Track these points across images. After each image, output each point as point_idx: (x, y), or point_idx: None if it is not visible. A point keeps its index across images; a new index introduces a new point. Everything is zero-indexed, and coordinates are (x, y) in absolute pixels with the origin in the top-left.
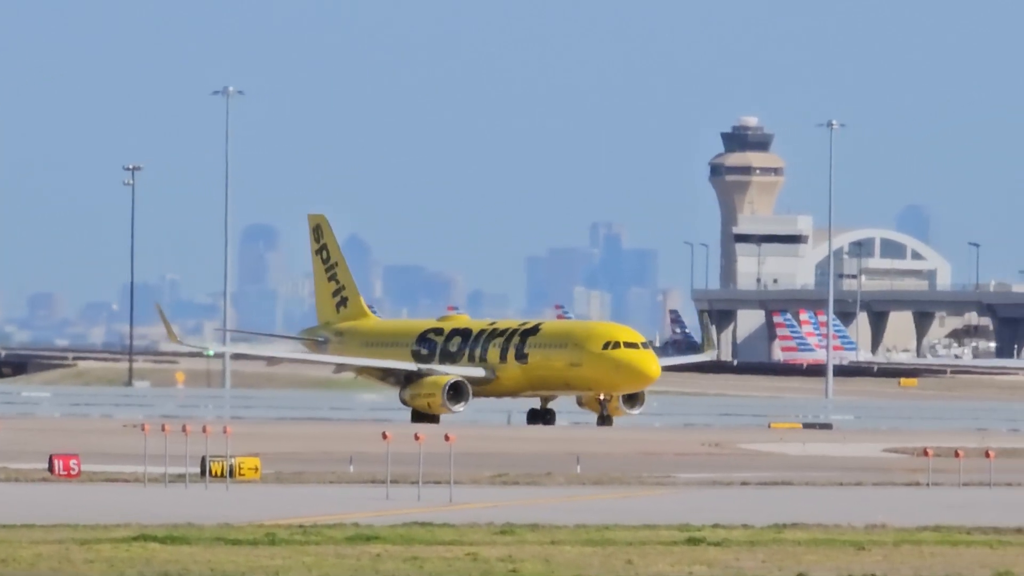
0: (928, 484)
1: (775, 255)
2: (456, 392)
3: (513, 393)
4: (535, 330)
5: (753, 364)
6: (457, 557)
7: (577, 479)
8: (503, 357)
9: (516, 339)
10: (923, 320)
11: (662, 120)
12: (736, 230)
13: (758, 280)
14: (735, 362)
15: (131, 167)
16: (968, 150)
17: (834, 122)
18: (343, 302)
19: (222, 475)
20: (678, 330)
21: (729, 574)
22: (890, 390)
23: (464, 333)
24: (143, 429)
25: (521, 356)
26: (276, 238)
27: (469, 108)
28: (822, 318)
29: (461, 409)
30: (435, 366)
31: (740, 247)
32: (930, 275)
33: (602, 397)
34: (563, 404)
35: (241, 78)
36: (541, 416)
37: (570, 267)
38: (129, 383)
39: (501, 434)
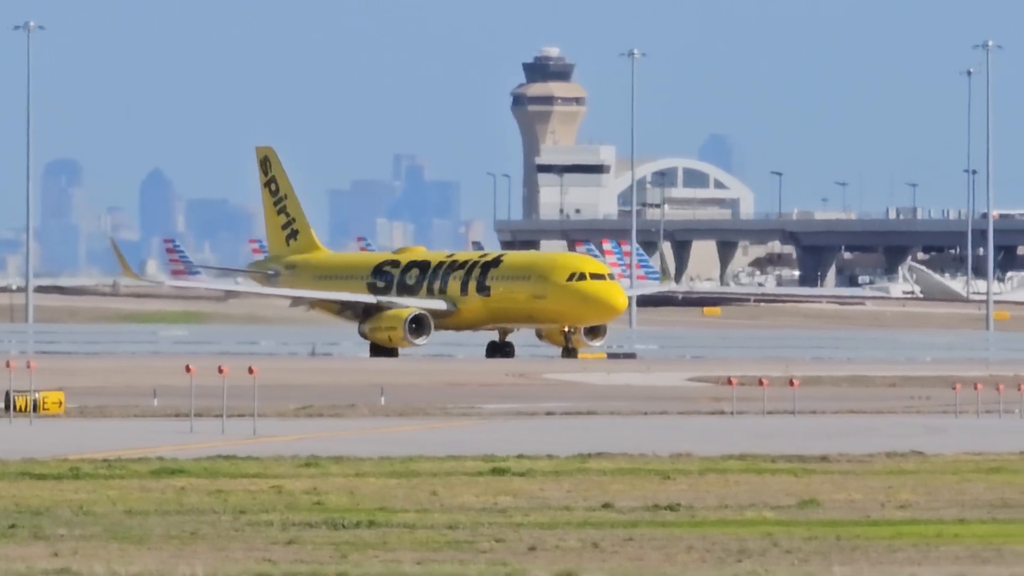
0: (733, 413)
1: (577, 185)
2: (418, 325)
3: (474, 326)
4: (496, 262)
5: None
6: (262, 490)
7: (381, 411)
8: (464, 289)
9: (477, 271)
10: (726, 249)
11: (463, 51)
12: (538, 160)
13: (561, 210)
14: None
15: None
16: (770, 80)
17: (636, 51)
18: (293, 235)
19: (26, 410)
20: None
21: (534, 504)
22: (694, 319)
23: (422, 265)
24: None
25: (483, 288)
26: (79, 173)
27: (270, 39)
28: (625, 248)
29: (423, 342)
30: (394, 298)
31: (542, 177)
32: (733, 204)
33: (567, 329)
34: (522, 337)
35: (40, 14)
36: (500, 349)
37: (373, 199)
38: None
39: (306, 366)
